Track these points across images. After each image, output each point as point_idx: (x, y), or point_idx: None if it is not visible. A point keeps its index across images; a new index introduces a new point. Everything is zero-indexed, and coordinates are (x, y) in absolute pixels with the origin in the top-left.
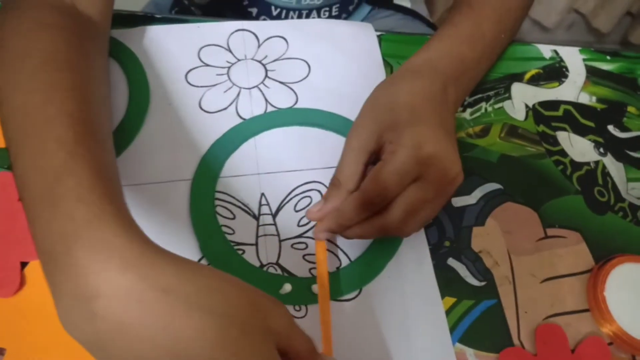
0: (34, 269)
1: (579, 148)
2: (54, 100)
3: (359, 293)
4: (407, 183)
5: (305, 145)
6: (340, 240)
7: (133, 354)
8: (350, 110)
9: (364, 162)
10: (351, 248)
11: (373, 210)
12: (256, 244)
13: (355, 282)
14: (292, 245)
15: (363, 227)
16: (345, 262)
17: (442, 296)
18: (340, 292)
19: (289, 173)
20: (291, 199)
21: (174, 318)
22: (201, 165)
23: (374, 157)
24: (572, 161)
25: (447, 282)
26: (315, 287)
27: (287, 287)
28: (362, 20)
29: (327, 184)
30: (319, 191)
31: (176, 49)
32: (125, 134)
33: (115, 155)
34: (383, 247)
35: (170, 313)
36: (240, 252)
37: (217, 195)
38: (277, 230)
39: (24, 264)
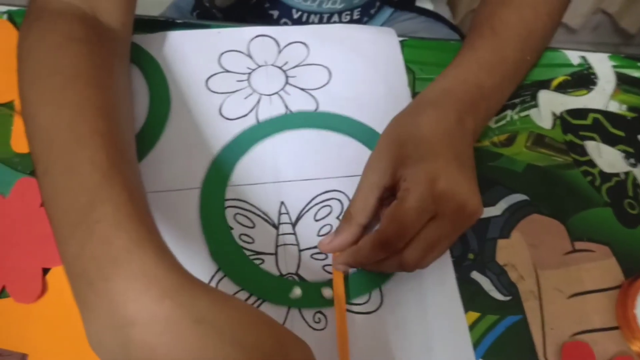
0: (56, 275)
1: (609, 158)
2: (85, 118)
3: (380, 306)
4: (425, 221)
5: (325, 152)
6: None
7: None
8: (371, 118)
9: (376, 197)
10: None
11: (391, 250)
12: (275, 254)
13: (367, 285)
14: (311, 256)
15: (383, 264)
16: None
17: (466, 311)
18: (350, 295)
19: (309, 181)
20: (311, 207)
21: (206, 349)
22: (212, 168)
23: (389, 192)
24: (601, 172)
25: (471, 296)
26: (325, 291)
27: (297, 292)
28: (384, 23)
29: (348, 193)
30: (339, 200)
31: (197, 55)
32: (145, 140)
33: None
34: None
35: (203, 344)
36: (259, 261)
37: (237, 203)
38: (296, 239)
39: (45, 270)
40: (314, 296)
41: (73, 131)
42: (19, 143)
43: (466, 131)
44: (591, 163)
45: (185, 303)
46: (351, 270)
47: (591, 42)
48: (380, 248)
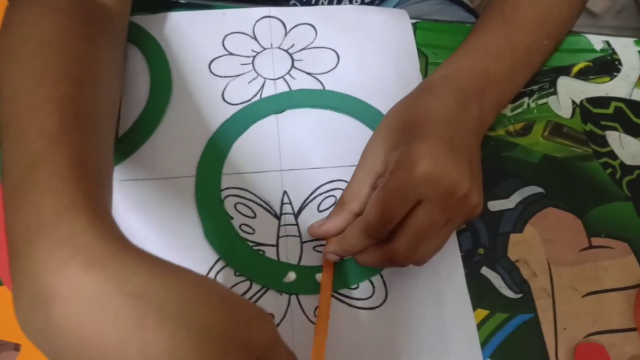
0: None
1: (631, 150)
2: (45, 85)
3: (384, 301)
4: (409, 205)
5: (331, 140)
6: None
7: None
8: (381, 103)
9: (369, 184)
10: None
11: (378, 237)
12: (277, 245)
13: (361, 273)
14: (314, 248)
15: (372, 255)
16: None
17: (474, 308)
18: (345, 283)
19: (313, 170)
20: (315, 197)
21: (143, 328)
22: (207, 149)
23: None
24: (622, 164)
25: (480, 293)
26: (318, 276)
27: (292, 276)
28: (396, 4)
29: None
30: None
31: (200, 37)
32: (145, 125)
33: (132, 150)
34: None
35: (139, 322)
36: (261, 252)
37: (238, 192)
38: (299, 231)
39: None
40: (308, 281)
41: (30, 98)
42: None
43: (468, 117)
44: (612, 154)
45: (117, 274)
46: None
47: (614, 27)
48: (365, 234)
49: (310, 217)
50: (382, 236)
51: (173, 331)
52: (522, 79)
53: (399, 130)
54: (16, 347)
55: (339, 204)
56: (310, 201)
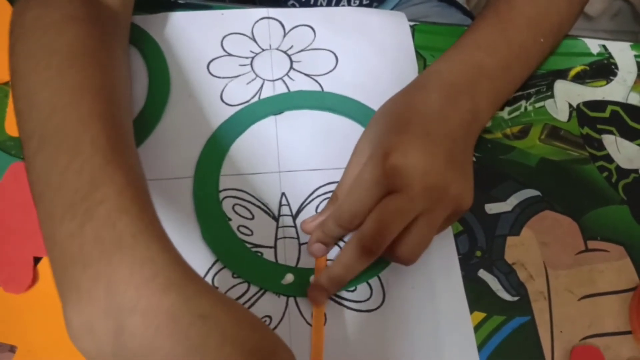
0: (48, 265)
1: (627, 153)
2: (85, 100)
3: (382, 304)
4: (377, 196)
5: (330, 141)
6: None
7: None
8: (379, 105)
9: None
10: None
11: (349, 227)
12: (275, 247)
13: (359, 276)
14: None
15: (345, 249)
16: None
17: (471, 311)
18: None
19: (311, 172)
20: (313, 199)
21: (207, 347)
22: (205, 150)
23: None
24: (618, 168)
25: (477, 296)
26: (312, 278)
27: (289, 278)
28: (395, 7)
29: None
30: None
31: (199, 37)
32: (143, 125)
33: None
34: None
35: (204, 341)
36: (258, 254)
37: (236, 193)
38: (297, 232)
39: (37, 260)
40: (306, 283)
41: (73, 111)
42: (14, 126)
43: (458, 111)
44: (608, 158)
45: (191, 297)
46: None
47: (610, 30)
48: (336, 222)
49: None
50: (353, 226)
51: (231, 351)
52: (519, 75)
53: (382, 125)
54: (11, 349)
55: (331, 199)
56: (309, 203)
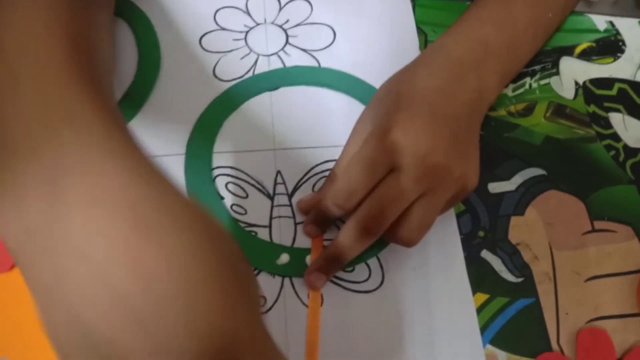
0: None
1: (635, 132)
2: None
3: (381, 284)
4: (377, 175)
5: (327, 118)
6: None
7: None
8: (379, 82)
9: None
10: None
11: (346, 206)
12: (270, 226)
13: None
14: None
15: (344, 230)
16: None
17: (474, 292)
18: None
19: (308, 150)
20: (310, 177)
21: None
22: (196, 128)
23: None
24: (625, 146)
25: (480, 277)
26: (308, 258)
27: (285, 258)
28: None
29: None
30: None
31: (190, 11)
32: (132, 101)
33: None
34: None
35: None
36: (252, 234)
37: (230, 171)
38: (292, 211)
39: None
40: (301, 263)
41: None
42: None
43: (463, 89)
44: (615, 136)
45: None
46: None
47: (611, 15)
48: (333, 202)
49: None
50: (350, 206)
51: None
52: (526, 50)
53: (385, 103)
54: None
55: (328, 178)
56: (305, 181)
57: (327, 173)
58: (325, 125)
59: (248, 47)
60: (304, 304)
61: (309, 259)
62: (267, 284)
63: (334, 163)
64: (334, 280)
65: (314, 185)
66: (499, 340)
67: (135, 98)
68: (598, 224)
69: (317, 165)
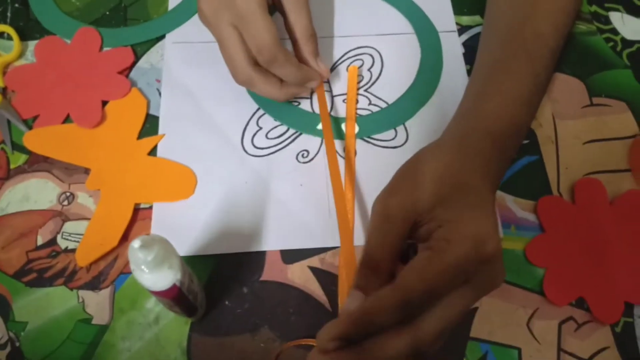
0: (113, 107)
1: (632, 26)
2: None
3: (405, 142)
4: (458, 285)
5: (359, 10)
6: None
7: None
8: None
9: (403, 236)
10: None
11: (410, 311)
12: (310, 98)
13: (384, 125)
14: (343, 100)
15: (390, 342)
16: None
17: None
18: (368, 133)
19: (342, 38)
20: (344, 60)
21: None
22: None
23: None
24: (623, 39)
25: None
26: (343, 126)
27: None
28: None
29: (380, 49)
30: (370, 55)
31: None
32: None
33: (185, 18)
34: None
35: None
36: (296, 104)
37: None
38: (330, 86)
39: (104, 103)
40: (337, 129)
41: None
42: None
43: (500, 176)
44: (614, 31)
45: None
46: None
47: None
48: (399, 306)
49: (339, 75)
50: (414, 313)
51: None
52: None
53: (435, 181)
54: (86, 171)
55: (365, 266)
56: (341, 63)
57: (359, 57)
58: (357, 16)
59: None
60: (340, 155)
61: (343, 127)
62: (309, 141)
63: (365, 49)
64: (366, 139)
65: (347, 66)
66: (507, 187)
67: None
68: (596, 100)
69: (350, 50)
